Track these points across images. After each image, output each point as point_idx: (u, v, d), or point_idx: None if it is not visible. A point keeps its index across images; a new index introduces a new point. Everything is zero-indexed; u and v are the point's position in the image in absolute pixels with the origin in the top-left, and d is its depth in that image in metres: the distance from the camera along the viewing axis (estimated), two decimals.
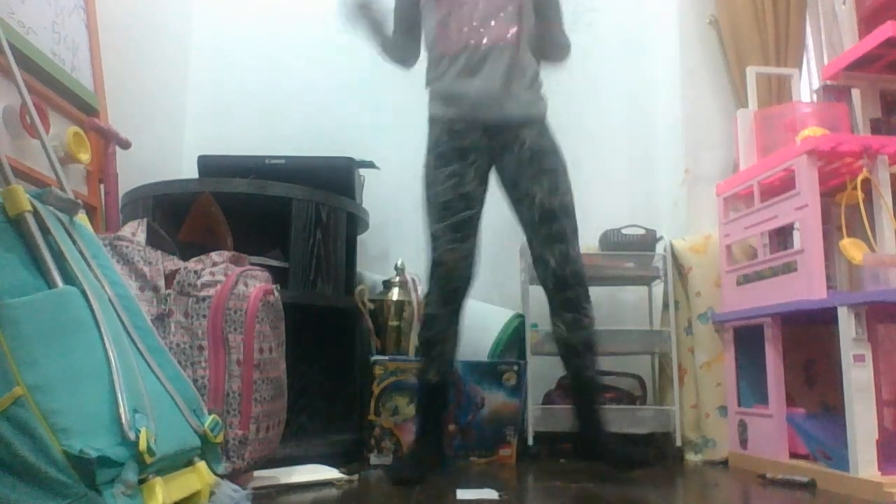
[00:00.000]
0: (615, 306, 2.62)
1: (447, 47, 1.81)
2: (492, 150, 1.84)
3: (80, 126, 1.84)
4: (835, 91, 2.10)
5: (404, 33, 1.99)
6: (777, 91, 2.48)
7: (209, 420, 1.19)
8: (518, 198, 1.83)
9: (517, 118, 1.82)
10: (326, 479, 1.65)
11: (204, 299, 1.47)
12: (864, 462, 1.58)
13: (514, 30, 1.80)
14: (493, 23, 1.79)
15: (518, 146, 1.81)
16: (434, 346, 1.80)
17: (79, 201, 1.17)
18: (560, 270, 1.77)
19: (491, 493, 1.52)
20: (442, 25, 1.82)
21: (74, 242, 1.10)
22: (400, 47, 2.02)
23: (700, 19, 2.65)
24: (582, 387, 1.81)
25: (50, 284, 0.98)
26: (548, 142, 1.83)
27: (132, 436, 0.91)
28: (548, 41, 1.93)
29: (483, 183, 1.84)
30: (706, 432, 2.20)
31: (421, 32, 1.95)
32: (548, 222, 1.77)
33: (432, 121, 1.86)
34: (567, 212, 1.79)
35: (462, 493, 1.53)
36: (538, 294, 1.90)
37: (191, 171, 2.36)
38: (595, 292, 1.85)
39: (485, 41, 1.78)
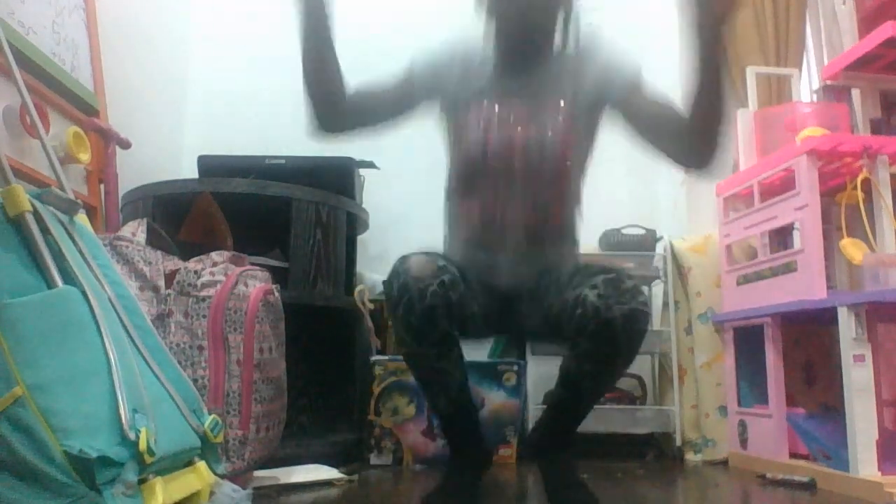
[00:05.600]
0: None
1: None
2: None
3: (80, 126, 1.83)
4: (835, 91, 2.10)
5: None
6: (777, 91, 2.48)
7: (209, 420, 1.18)
8: None
9: None
10: (326, 479, 1.65)
11: (204, 299, 1.47)
12: (864, 462, 1.58)
13: None
14: None
15: None
16: None
17: (79, 201, 1.17)
18: None
19: None
20: None
21: (74, 242, 1.10)
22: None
23: None
24: None
25: (50, 284, 0.98)
26: None
27: (132, 436, 0.91)
28: None
29: None
30: (706, 432, 2.20)
31: None
32: None
33: None
34: None
35: None
36: None
37: (191, 171, 2.35)
38: None
39: None
